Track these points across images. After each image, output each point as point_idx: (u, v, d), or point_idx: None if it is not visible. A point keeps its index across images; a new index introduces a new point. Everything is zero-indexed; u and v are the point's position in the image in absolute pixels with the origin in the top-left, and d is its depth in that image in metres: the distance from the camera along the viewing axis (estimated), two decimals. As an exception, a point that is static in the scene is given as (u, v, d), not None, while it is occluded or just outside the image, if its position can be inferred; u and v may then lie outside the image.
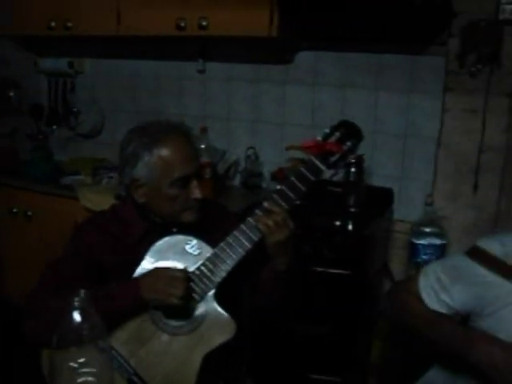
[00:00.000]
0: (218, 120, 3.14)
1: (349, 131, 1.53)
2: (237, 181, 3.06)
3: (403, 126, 2.73)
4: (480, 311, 1.40)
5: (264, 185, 3.01)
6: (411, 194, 2.73)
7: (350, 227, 2.39)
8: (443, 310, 1.44)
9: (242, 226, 1.52)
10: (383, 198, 2.70)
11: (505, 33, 2.45)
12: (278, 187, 1.53)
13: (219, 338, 1.51)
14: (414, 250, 2.49)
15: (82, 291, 1.11)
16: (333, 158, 1.50)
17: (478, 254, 1.41)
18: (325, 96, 2.86)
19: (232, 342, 1.51)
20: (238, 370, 1.73)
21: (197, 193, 1.56)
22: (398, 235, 2.74)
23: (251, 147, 2.97)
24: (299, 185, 1.51)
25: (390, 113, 2.75)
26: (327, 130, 1.53)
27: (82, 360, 1.12)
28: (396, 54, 2.70)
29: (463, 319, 1.46)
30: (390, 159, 2.77)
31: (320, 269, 2.37)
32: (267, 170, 2.95)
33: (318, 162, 1.50)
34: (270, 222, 1.48)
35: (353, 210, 2.52)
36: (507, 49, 2.45)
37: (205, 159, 2.74)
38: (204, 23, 2.69)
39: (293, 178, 1.51)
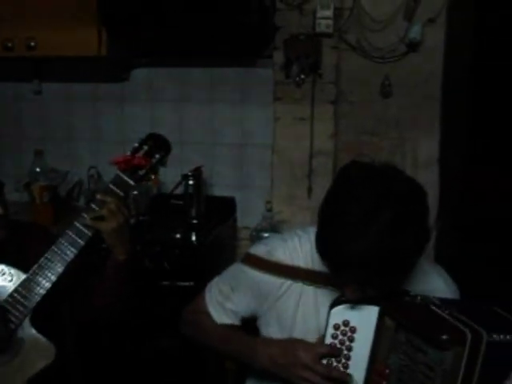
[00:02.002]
0: (59, 141, 3.06)
1: (157, 144, 1.56)
2: (82, 201, 3.00)
3: (239, 136, 2.83)
4: (260, 310, 1.49)
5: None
6: (252, 201, 2.83)
7: (191, 238, 2.43)
8: (231, 320, 1.51)
9: (53, 248, 1.50)
10: (225, 207, 2.77)
11: (323, 45, 2.63)
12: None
13: (39, 363, 1.48)
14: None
15: None
16: (141, 172, 1.53)
17: (249, 259, 1.50)
18: (163, 111, 2.90)
19: (56, 364, 1.49)
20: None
21: None
22: (243, 242, 2.82)
23: (93, 167, 2.93)
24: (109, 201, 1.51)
25: (226, 124, 2.84)
26: (136, 144, 1.56)
27: None
28: (228, 68, 2.80)
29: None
30: (230, 169, 2.86)
31: (165, 282, 2.39)
32: (111, 188, 2.92)
33: (125, 177, 1.51)
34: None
35: (194, 221, 2.57)
36: (326, 60, 2.63)
37: (42, 183, 2.68)
38: (32, 44, 2.63)
39: (99, 196, 1.52)
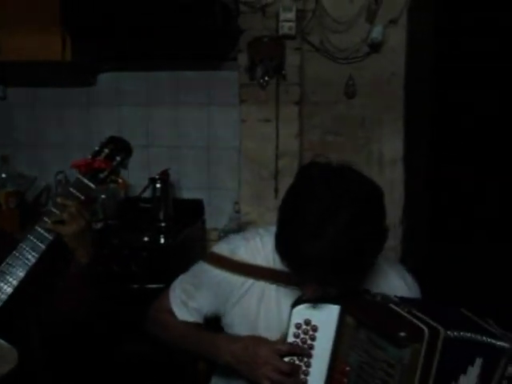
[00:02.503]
0: (25, 147, 3.04)
1: (118, 147, 1.57)
2: (50, 206, 2.99)
3: (206, 138, 2.85)
4: (224, 309, 1.50)
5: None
6: (221, 203, 2.85)
7: (159, 241, 2.45)
8: (194, 318, 1.53)
9: (15, 253, 1.50)
10: (194, 209, 2.79)
11: (286, 47, 2.66)
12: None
13: (2, 368, 1.47)
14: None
15: None
16: (102, 175, 1.53)
17: (211, 258, 1.53)
18: (130, 115, 2.91)
19: (21, 368, 1.49)
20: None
21: None
22: (212, 243, 2.82)
23: (61, 171, 2.92)
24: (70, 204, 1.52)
25: (192, 126, 2.86)
26: (97, 148, 1.57)
27: None
28: (193, 71, 2.82)
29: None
30: (197, 171, 2.88)
31: (134, 286, 2.40)
32: (79, 192, 2.92)
33: (86, 181, 1.52)
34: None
35: (162, 224, 2.59)
36: (289, 61, 2.66)
37: (9, 189, 2.67)
38: (-5, 48, 2.63)
39: (60, 200, 1.52)
